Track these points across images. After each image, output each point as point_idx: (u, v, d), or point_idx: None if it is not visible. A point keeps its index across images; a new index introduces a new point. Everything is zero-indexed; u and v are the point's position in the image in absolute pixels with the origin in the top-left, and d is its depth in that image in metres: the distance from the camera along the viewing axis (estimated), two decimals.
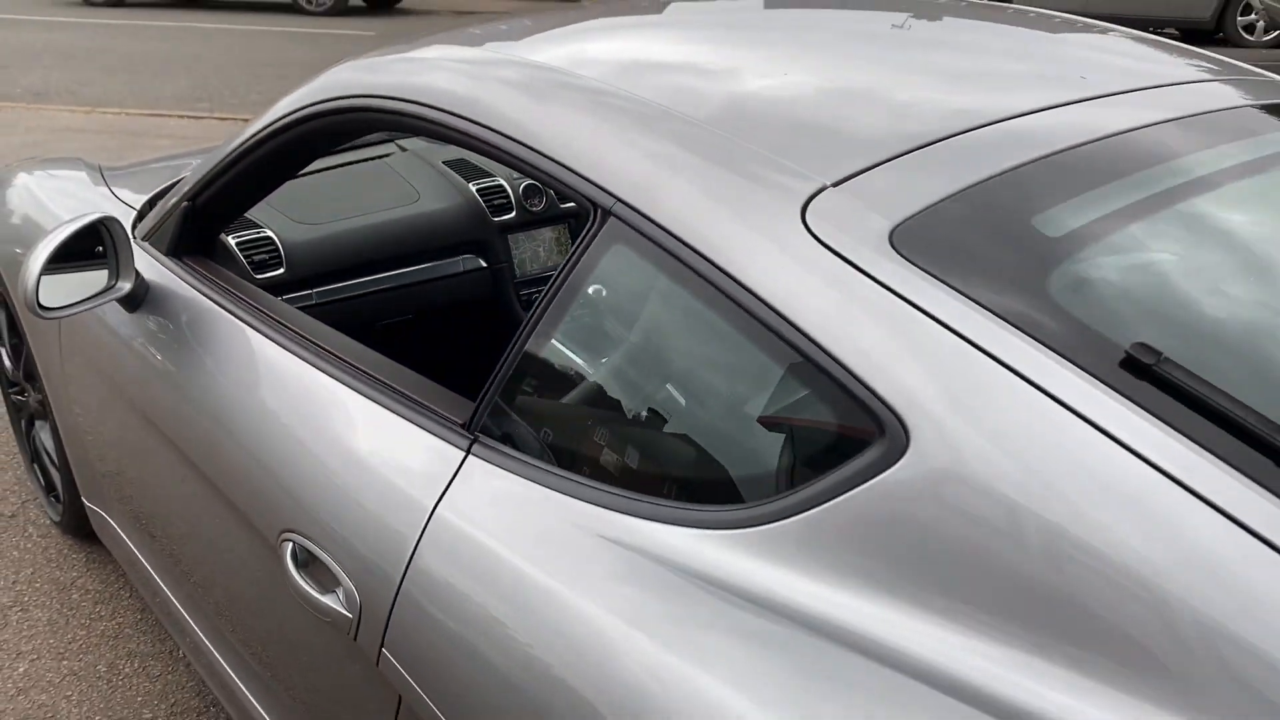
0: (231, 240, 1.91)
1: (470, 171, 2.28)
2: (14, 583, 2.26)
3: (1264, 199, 1.06)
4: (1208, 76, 1.30)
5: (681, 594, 0.86)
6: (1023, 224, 0.92)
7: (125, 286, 1.54)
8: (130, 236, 1.72)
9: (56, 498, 2.35)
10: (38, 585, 2.25)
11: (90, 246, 1.54)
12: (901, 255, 0.88)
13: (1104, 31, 1.50)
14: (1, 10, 12.11)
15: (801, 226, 0.92)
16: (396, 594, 1.04)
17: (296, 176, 2.11)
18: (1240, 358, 0.86)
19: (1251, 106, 1.22)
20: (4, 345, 2.42)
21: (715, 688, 0.79)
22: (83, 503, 2.09)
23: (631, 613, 0.87)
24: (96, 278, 1.54)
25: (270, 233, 1.96)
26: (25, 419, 2.44)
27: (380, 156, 2.30)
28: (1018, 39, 1.39)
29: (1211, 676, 0.67)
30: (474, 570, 0.98)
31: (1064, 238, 0.92)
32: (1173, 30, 11.26)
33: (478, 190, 2.24)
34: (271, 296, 1.50)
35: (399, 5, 13.51)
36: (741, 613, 0.83)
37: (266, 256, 1.94)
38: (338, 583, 1.12)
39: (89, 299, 1.51)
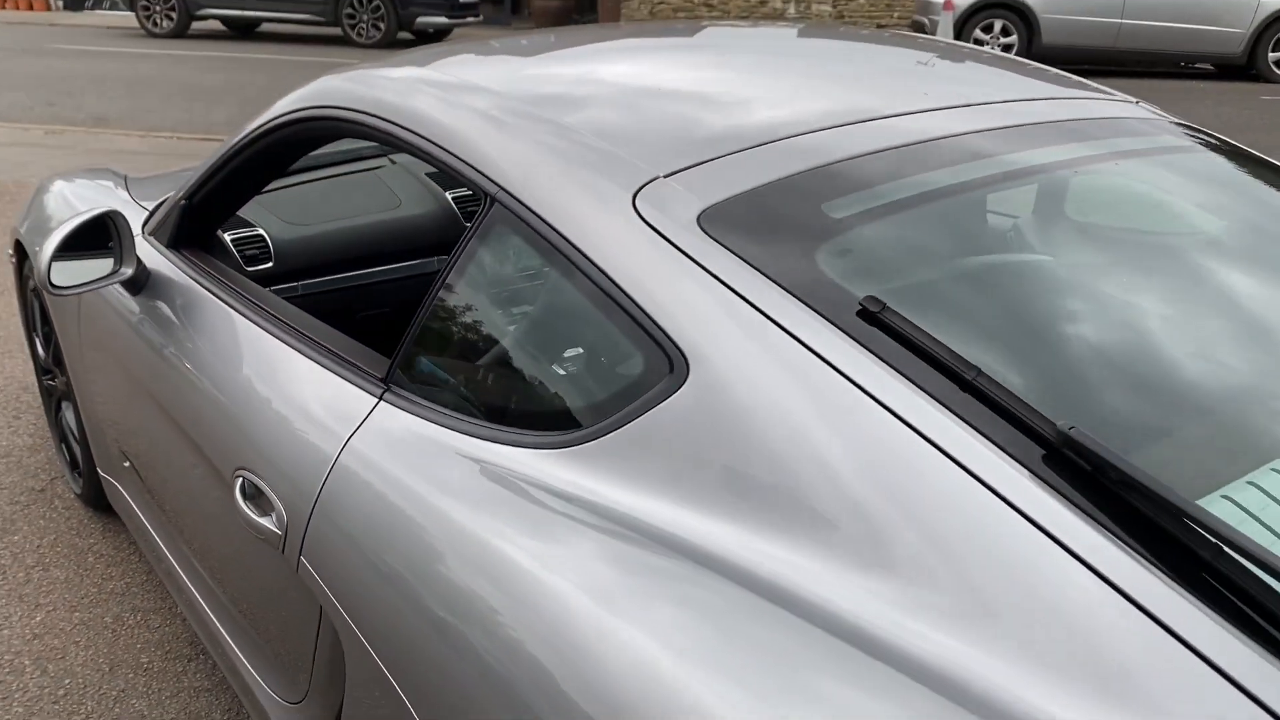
0: (227, 236, 2.16)
1: (449, 182, 2.53)
2: (38, 546, 2.52)
3: (1026, 199, 1.25)
4: (1039, 95, 1.49)
5: (524, 496, 1.07)
6: (809, 210, 1.13)
7: (127, 272, 1.79)
8: (139, 231, 1.99)
9: (79, 473, 2.61)
10: (59, 549, 2.51)
11: (102, 239, 1.80)
12: (704, 231, 1.09)
13: (973, 56, 1.70)
14: (71, 41, 12.77)
15: (631, 208, 1.13)
16: (313, 509, 1.26)
17: (295, 185, 2.37)
18: (959, 315, 1.05)
19: (1064, 121, 1.41)
20: (38, 334, 2.70)
21: (534, 556, 0.99)
22: (99, 474, 2.35)
23: (487, 509, 1.07)
24: (104, 264, 1.80)
25: (261, 231, 2.21)
26: (55, 402, 2.71)
27: (373, 169, 2.56)
28: (884, 59, 1.59)
29: (904, 545, 0.86)
30: (372, 487, 1.20)
31: (841, 220, 1.12)
32: (1207, 65, 11.32)
33: (454, 199, 2.48)
34: (257, 285, 1.73)
35: (448, 38, 13.99)
36: (558, 513, 1.03)
37: (257, 251, 2.19)
38: (272, 507, 1.34)
39: (95, 280, 1.77)
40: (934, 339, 0.95)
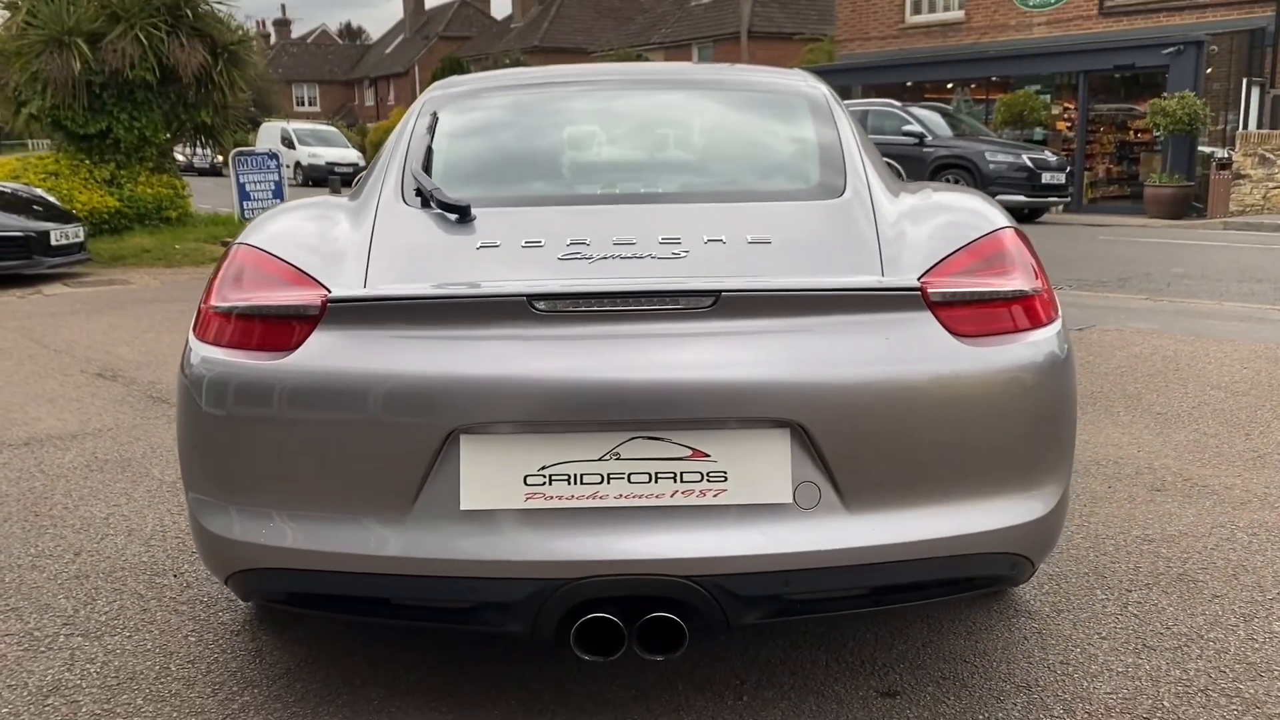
0: None
1: None
2: None
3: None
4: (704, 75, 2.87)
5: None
6: (473, 102, 2.69)
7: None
8: None
9: None
10: None
11: None
12: (431, 111, 2.67)
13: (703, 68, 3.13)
14: None
15: (429, 108, 2.75)
16: None
17: None
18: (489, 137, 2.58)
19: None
20: None
21: None
22: None
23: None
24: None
25: None
26: None
27: None
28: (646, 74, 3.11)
29: None
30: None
31: (480, 100, 2.69)
32: None
33: None
34: None
35: (1039, 219, 14.91)
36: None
37: None
38: None
39: None
40: (433, 132, 2.47)
